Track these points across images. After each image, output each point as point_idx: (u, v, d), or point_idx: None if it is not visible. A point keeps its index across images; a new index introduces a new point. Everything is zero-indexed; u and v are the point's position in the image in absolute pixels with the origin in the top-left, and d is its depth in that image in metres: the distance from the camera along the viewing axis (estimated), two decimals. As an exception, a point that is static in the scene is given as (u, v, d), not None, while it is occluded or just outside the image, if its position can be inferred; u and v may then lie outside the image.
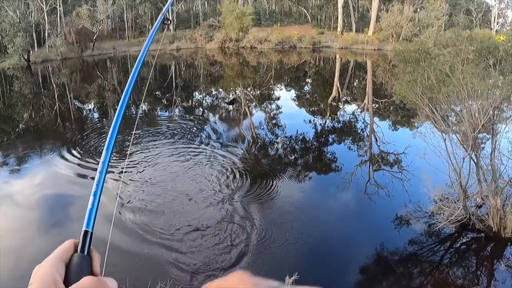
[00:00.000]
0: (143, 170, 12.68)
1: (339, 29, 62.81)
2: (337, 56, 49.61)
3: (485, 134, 8.99)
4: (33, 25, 54.92)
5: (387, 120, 20.82)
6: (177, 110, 22.85)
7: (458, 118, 9.56)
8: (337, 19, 64.66)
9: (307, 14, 78.55)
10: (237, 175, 12.13)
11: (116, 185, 11.74)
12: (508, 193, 9.23)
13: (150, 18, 64.54)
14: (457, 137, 9.30)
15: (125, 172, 12.57)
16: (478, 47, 10.61)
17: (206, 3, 74.11)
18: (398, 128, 19.23)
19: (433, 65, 9.77)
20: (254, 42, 51.92)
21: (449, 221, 8.77)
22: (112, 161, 13.01)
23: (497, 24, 75.88)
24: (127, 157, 13.89)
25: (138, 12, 64.65)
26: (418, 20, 59.02)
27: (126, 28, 62.16)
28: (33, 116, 23.43)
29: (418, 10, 61.67)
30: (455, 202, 9.24)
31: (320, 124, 19.73)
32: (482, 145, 9.26)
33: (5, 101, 27.31)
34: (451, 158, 9.01)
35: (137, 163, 13.23)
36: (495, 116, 8.96)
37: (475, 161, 8.96)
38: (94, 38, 53.54)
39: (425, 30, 55.50)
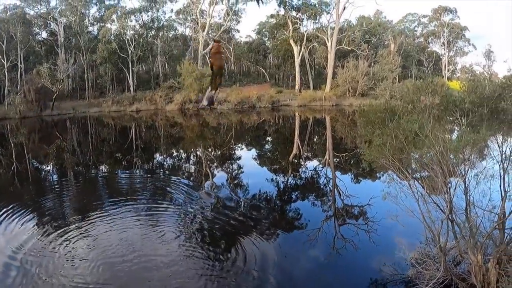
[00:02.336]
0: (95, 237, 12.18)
1: (297, 87, 64.39)
2: (296, 114, 50.48)
3: (458, 189, 8.97)
4: (-8, 81, 54.25)
5: (349, 173, 21.05)
6: (137, 172, 22.48)
7: (431, 178, 9.53)
8: (295, 77, 66.29)
9: (265, 74, 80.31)
10: (198, 238, 11.83)
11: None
12: (488, 246, 9.00)
13: (111, 79, 64.56)
14: (430, 197, 9.21)
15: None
16: (444, 101, 10.82)
17: (166, 64, 74.92)
18: (361, 181, 19.34)
19: (401, 125, 9.77)
20: (214, 103, 52.27)
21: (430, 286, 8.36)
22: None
23: (448, 71, 79.72)
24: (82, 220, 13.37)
25: (99, 73, 64.63)
26: (373, 74, 61.01)
27: (87, 88, 62.00)
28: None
29: (372, 64, 63.86)
30: (434, 261, 8.97)
31: (283, 182, 19.71)
32: (456, 200, 9.21)
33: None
34: (425, 218, 8.90)
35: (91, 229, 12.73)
36: (467, 171, 9.05)
37: (451, 218, 8.84)
38: (54, 97, 53.00)
39: (380, 83, 57.47)
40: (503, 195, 8.77)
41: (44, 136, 39.32)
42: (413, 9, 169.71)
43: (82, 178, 21.43)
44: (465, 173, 8.93)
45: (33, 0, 66.11)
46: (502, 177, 8.83)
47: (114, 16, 63.50)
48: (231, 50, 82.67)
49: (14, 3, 70.70)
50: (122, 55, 61.24)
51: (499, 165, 8.96)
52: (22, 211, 14.59)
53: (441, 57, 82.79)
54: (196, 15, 67.57)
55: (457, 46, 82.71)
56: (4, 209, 14.77)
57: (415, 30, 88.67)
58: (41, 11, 68.01)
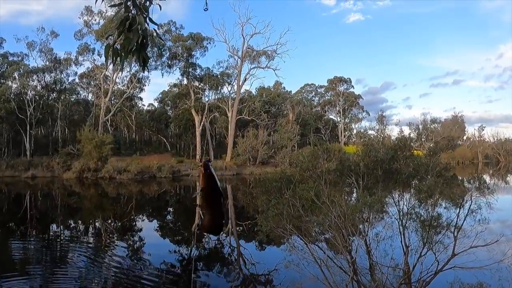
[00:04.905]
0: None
1: (197, 156, 64.69)
2: (197, 184, 50.36)
3: (360, 249, 9.26)
4: None
5: (253, 241, 21.12)
6: (32, 243, 21.07)
7: (331, 242, 9.73)
8: (196, 147, 66.67)
9: (167, 143, 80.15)
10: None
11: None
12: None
13: (7, 141, 61.25)
14: (333, 260, 9.47)
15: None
16: (339, 166, 11.29)
17: (66, 129, 72.47)
18: (265, 248, 19.36)
19: (297, 193, 9.97)
20: (113, 173, 51.12)
21: None
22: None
23: (344, 137, 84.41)
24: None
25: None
26: (272, 143, 63.03)
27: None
28: None
29: (272, 133, 66.09)
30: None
31: (186, 253, 19.40)
32: (359, 260, 9.44)
33: None
34: (330, 283, 9.01)
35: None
36: (367, 231, 9.40)
37: (355, 279, 9.02)
38: None
39: (279, 151, 59.35)
40: (405, 250, 9.20)
41: None
42: (310, 79, 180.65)
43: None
44: (365, 233, 9.30)
45: None
46: (402, 233, 9.30)
47: (16, 74, 61.30)
48: (133, 118, 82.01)
49: None
50: (20, 116, 58.85)
51: (398, 222, 9.41)
52: None
53: (337, 124, 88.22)
54: (100, 81, 66.70)
55: (352, 113, 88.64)
56: None
57: (313, 100, 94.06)
58: None
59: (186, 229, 24.83)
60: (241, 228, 24.38)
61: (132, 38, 3.58)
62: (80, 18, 63.97)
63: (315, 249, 9.88)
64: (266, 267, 15.19)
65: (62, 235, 23.80)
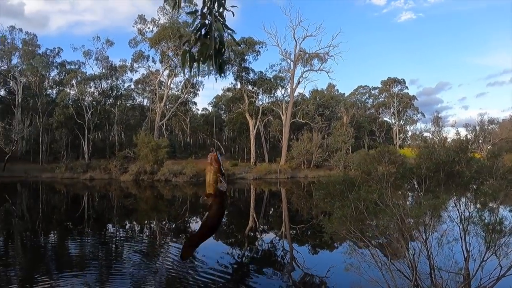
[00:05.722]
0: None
1: (252, 160, 64.70)
2: (252, 187, 50.41)
3: (421, 253, 8.94)
4: None
5: (307, 245, 20.88)
6: (89, 241, 21.59)
7: (393, 245, 9.52)
8: (250, 150, 66.75)
9: (221, 147, 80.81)
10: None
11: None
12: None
13: (66, 144, 63.44)
14: (394, 264, 9.19)
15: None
16: (400, 169, 10.95)
17: (122, 134, 74.51)
18: (319, 252, 19.19)
19: (361, 196, 9.72)
20: (169, 175, 51.98)
21: None
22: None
23: (399, 139, 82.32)
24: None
25: (54, 137, 63.57)
26: (326, 146, 62.28)
27: (41, 152, 60.73)
28: None
29: (326, 136, 65.33)
30: None
31: (239, 255, 19.32)
32: (419, 265, 9.11)
33: None
34: (391, 286, 8.78)
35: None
36: (428, 236, 9.06)
37: (416, 284, 8.73)
38: (6, 158, 51.53)
39: (334, 155, 58.62)
40: (465, 255, 8.84)
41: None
42: (364, 81, 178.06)
43: (29, 245, 20.60)
44: (426, 237, 8.98)
45: (-6, 56, 65.70)
46: (463, 238, 8.93)
47: (74, 81, 63.39)
48: (188, 122, 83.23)
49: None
50: (79, 121, 60.70)
51: (459, 227, 9.04)
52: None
53: (392, 126, 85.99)
54: (155, 86, 68.22)
55: (406, 115, 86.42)
56: None
57: (366, 102, 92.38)
58: (2, 67, 67.98)
59: (239, 231, 24.83)
60: (294, 231, 24.12)
61: (209, 44, 3.70)
62: (134, 27, 66.11)
63: (376, 252, 9.62)
64: (319, 272, 14.87)
65: (117, 234, 24.28)
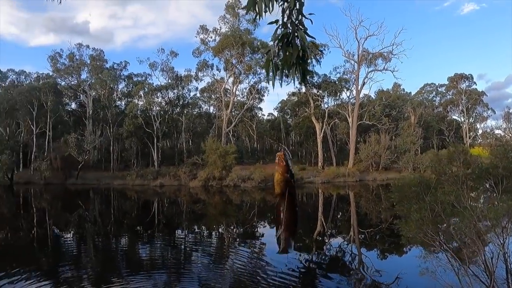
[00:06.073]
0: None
1: (319, 163, 64.13)
2: (320, 191, 49.97)
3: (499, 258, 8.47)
4: (21, 145, 55.95)
5: (376, 249, 20.35)
6: (158, 245, 22.07)
7: (469, 249, 9.08)
8: (318, 154, 66.20)
9: (288, 151, 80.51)
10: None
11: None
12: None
13: (136, 153, 65.65)
14: (470, 268, 8.78)
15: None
16: (476, 170, 10.47)
17: (190, 141, 76.09)
18: (388, 257, 18.76)
19: (438, 198, 9.47)
20: (237, 181, 52.45)
21: None
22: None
23: (469, 138, 78.78)
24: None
25: (124, 146, 66.07)
26: (395, 147, 60.71)
27: (112, 160, 63.50)
28: (9, 237, 23.25)
29: (394, 137, 63.68)
30: None
31: (307, 260, 19.09)
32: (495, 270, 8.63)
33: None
34: None
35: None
36: (505, 239, 8.62)
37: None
38: (79, 167, 54.25)
39: (402, 156, 57.04)
40: None
41: (66, 204, 40.12)
42: (430, 79, 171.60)
43: (101, 248, 21.40)
44: (503, 241, 8.50)
45: (64, 72, 69.83)
46: None
47: (141, 92, 65.56)
48: (254, 128, 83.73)
49: (47, 73, 75.28)
50: (147, 130, 62.69)
51: None
52: (39, 277, 14.60)
53: (461, 124, 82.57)
54: (220, 94, 69.24)
55: (476, 112, 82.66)
56: (22, 274, 14.82)
57: (434, 100, 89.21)
58: (72, 82, 72.17)
59: (307, 235, 24.56)
60: (363, 235, 23.58)
61: (292, 52, 3.83)
62: (196, 37, 67.74)
63: (451, 257, 9.19)
64: (389, 278, 14.43)
65: (187, 238, 24.70)
